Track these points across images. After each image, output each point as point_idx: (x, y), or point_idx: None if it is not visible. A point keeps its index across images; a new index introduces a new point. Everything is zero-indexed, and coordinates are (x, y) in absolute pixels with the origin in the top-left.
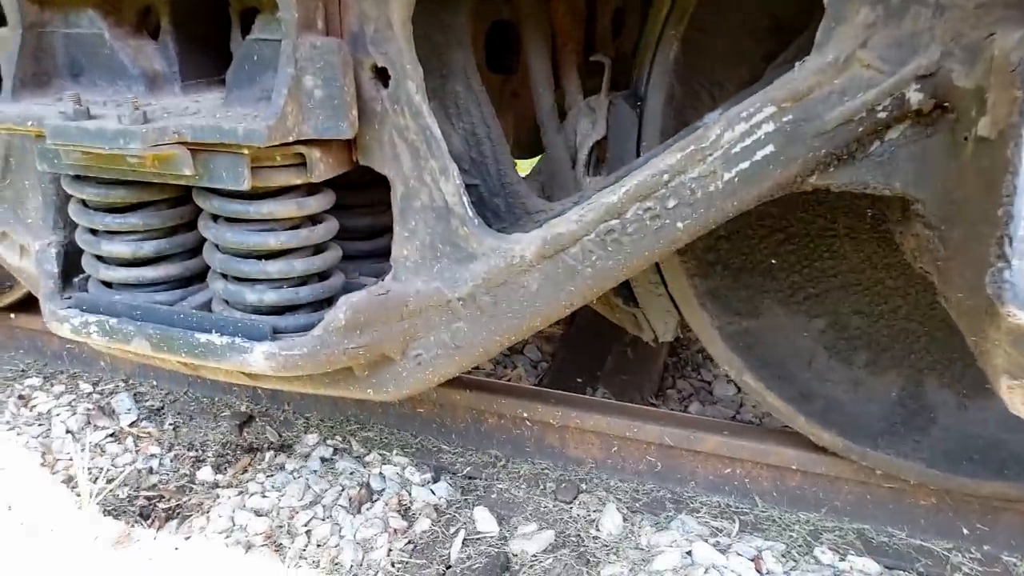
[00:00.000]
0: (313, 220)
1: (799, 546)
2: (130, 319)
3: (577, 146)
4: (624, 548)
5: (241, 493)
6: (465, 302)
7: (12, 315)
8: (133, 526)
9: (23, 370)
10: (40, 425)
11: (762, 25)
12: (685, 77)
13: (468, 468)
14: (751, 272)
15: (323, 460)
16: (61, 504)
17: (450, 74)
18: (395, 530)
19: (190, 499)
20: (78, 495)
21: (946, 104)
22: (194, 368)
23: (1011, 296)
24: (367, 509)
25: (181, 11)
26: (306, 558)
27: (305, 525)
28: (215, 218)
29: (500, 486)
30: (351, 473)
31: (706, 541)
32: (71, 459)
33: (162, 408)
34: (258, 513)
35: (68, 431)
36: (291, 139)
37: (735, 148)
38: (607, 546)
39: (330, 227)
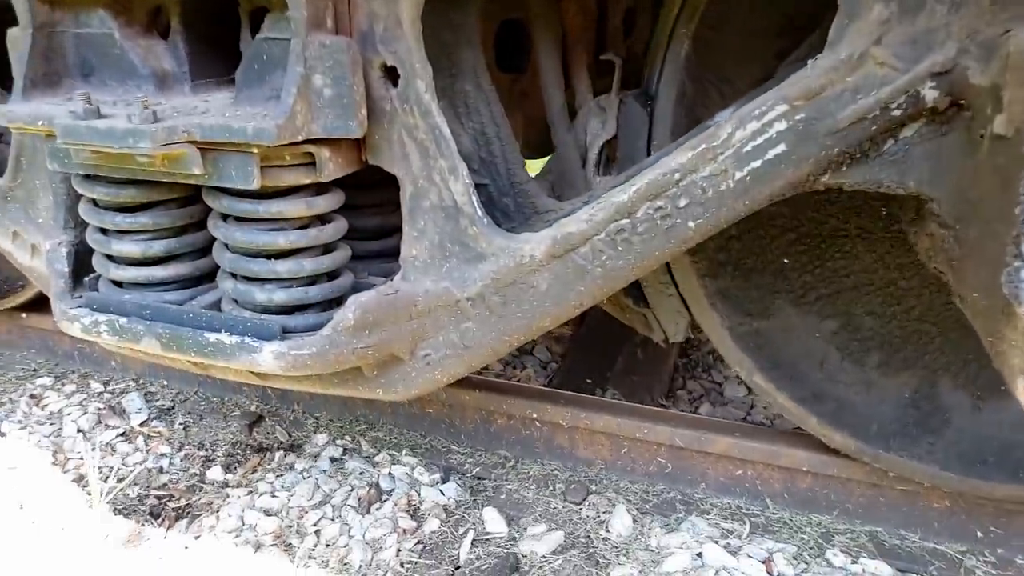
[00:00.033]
0: (322, 219)
1: (810, 548)
2: (140, 318)
3: (587, 145)
4: (634, 549)
5: (251, 493)
6: (474, 302)
7: (24, 315)
8: (143, 525)
9: (35, 370)
10: (51, 424)
11: (774, 23)
12: (696, 75)
13: (477, 469)
14: (762, 272)
15: (333, 460)
16: (72, 503)
17: (459, 73)
18: (404, 530)
19: (200, 498)
20: (89, 494)
21: (961, 102)
22: (204, 368)
23: None
24: (376, 509)
25: (191, 11)
26: (315, 558)
27: (314, 525)
28: (224, 217)
29: (509, 487)
30: (360, 473)
31: (716, 543)
32: (82, 458)
33: (172, 408)
34: (268, 513)
35: (79, 430)
36: (300, 138)
37: (747, 147)
38: (617, 547)
39: (339, 227)
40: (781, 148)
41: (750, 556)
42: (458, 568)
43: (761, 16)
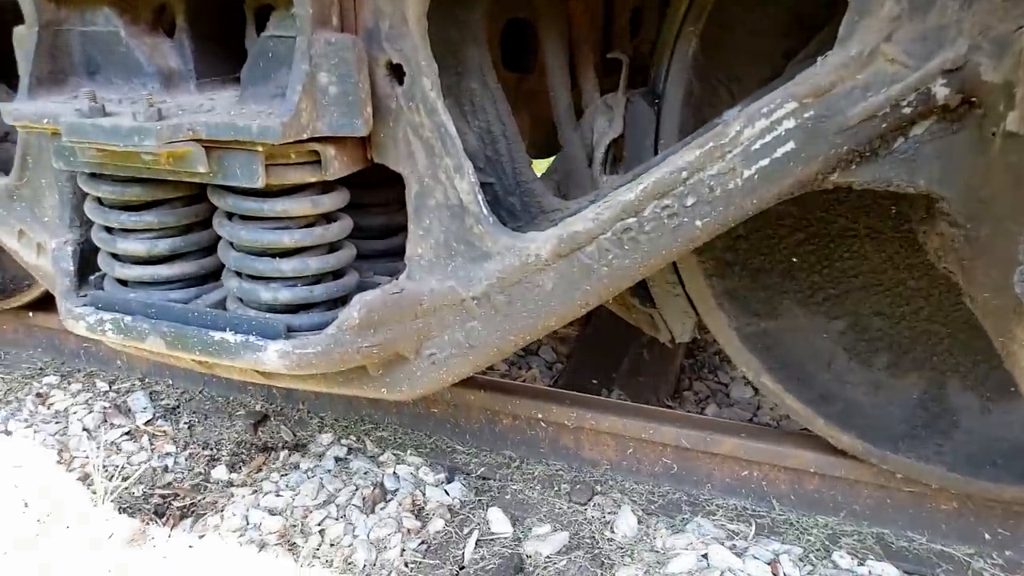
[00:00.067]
0: (327, 218)
1: (817, 550)
2: (145, 317)
3: (594, 144)
4: (639, 550)
5: (255, 492)
6: (479, 301)
7: (30, 313)
8: (148, 524)
9: (41, 368)
10: (57, 423)
11: (782, 21)
12: (704, 74)
13: (482, 469)
14: (770, 272)
15: (337, 460)
16: (77, 501)
17: (465, 71)
18: (408, 530)
19: (204, 498)
20: (94, 493)
21: (973, 99)
22: (208, 367)
23: None
24: (381, 509)
25: (196, 9)
26: (319, 557)
27: (319, 524)
28: (229, 216)
29: (514, 487)
30: (365, 473)
31: (722, 544)
32: (87, 457)
33: (177, 407)
34: (272, 512)
35: (84, 429)
36: (305, 136)
37: (755, 145)
38: (622, 548)
39: (344, 225)
40: (790, 146)
41: (756, 558)
42: (462, 568)
43: (769, 15)
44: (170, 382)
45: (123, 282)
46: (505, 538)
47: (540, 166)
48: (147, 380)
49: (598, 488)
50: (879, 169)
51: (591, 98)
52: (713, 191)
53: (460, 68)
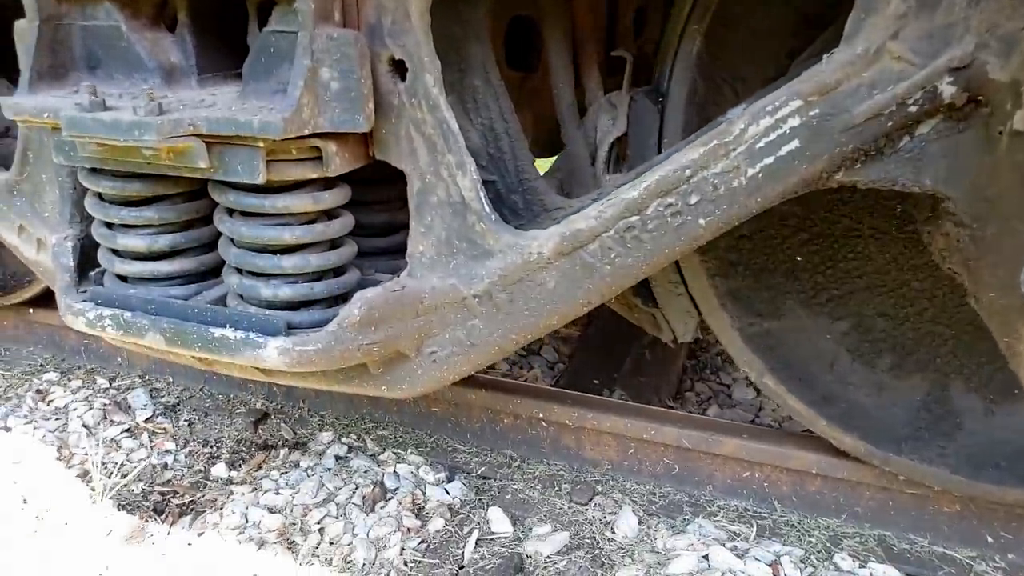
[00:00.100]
0: (329, 215)
1: (818, 552)
2: (145, 313)
3: (597, 143)
4: (640, 551)
5: (255, 490)
6: (481, 299)
7: (31, 310)
8: (147, 521)
9: (41, 365)
10: (57, 419)
11: (787, 20)
12: (708, 72)
13: (483, 468)
14: (773, 272)
15: (337, 458)
16: (76, 498)
17: (468, 68)
18: (408, 529)
19: (204, 495)
20: (93, 489)
21: (980, 98)
22: (209, 364)
23: None
24: (381, 508)
25: (198, 4)
26: (319, 556)
27: (318, 523)
28: (230, 212)
29: (515, 487)
30: (365, 471)
31: (723, 545)
32: (86, 453)
33: (178, 404)
34: (271, 510)
35: (84, 426)
36: (307, 132)
37: (759, 143)
38: (622, 549)
39: (346, 222)
40: (794, 144)
41: (757, 559)
42: (462, 568)
43: (774, 14)
44: (170, 379)
45: (123, 278)
46: (505, 538)
47: (543, 165)
48: (147, 377)
49: (599, 488)
50: (884, 168)
51: (595, 96)
52: (717, 189)
53: (463, 65)
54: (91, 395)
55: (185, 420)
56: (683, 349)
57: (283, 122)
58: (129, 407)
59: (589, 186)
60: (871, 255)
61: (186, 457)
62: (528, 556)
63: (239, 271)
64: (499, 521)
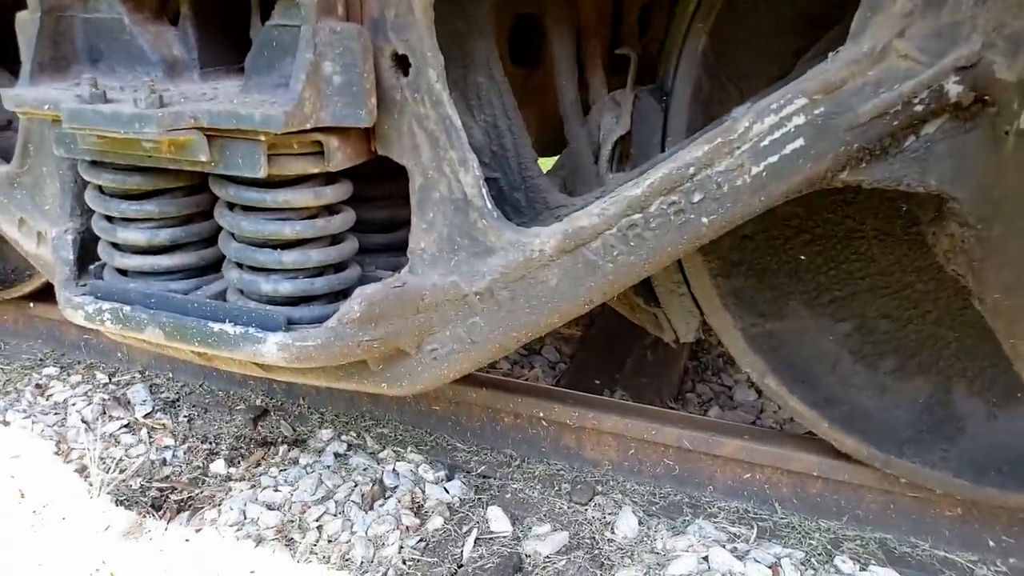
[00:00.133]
0: (330, 210)
1: (819, 554)
2: (144, 307)
3: (600, 141)
4: (639, 552)
5: (254, 487)
6: (482, 296)
7: (31, 304)
8: (144, 517)
9: (41, 359)
10: (56, 414)
11: (793, 19)
12: (713, 71)
13: (483, 467)
14: (776, 273)
15: (337, 456)
16: (74, 493)
17: (472, 65)
18: (407, 527)
19: (202, 491)
20: (91, 484)
21: (986, 97)
22: (208, 359)
23: None
24: (380, 506)
25: None
26: (317, 553)
27: (317, 520)
28: (231, 206)
29: (515, 486)
30: (364, 469)
31: (723, 547)
32: (85, 448)
33: (177, 400)
34: (270, 507)
35: (83, 421)
36: (308, 126)
37: (764, 141)
38: (622, 549)
39: (347, 218)
40: (799, 143)
41: (757, 561)
42: (461, 567)
43: (779, 13)
44: (170, 375)
45: (123, 272)
46: (504, 537)
47: (546, 164)
48: (147, 373)
49: (599, 488)
50: (889, 168)
51: (598, 94)
52: (720, 188)
53: (467, 61)
54: (90, 390)
55: (184, 416)
56: (685, 350)
57: (285, 116)
58: (128, 402)
59: (592, 184)
60: (874, 256)
61: (185, 453)
62: (527, 556)
63: (239, 266)
64: (498, 520)
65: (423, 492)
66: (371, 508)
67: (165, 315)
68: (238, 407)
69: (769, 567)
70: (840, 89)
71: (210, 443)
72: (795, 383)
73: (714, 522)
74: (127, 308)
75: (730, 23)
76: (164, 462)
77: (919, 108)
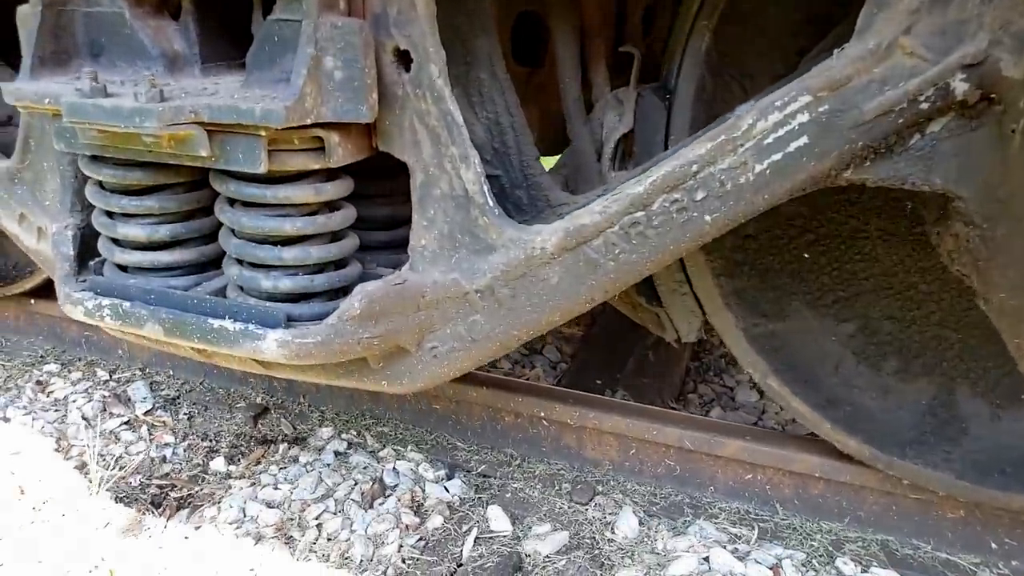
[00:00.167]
0: (330, 207)
1: (820, 556)
2: (144, 303)
3: (603, 139)
4: (640, 552)
5: (253, 485)
6: (483, 294)
7: (32, 301)
8: (144, 514)
9: (41, 356)
10: (56, 411)
11: (797, 18)
12: (716, 69)
13: (483, 466)
14: (779, 273)
15: (337, 454)
16: (73, 489)
17: (474, 61)
18: (407, 526)
19: (202, 489)
20: (90, 481)
21: (993, 95)
22: (208, 356)
23: None
24: (379, 504)
25: None
26: (316, 551)
27: (316, 518)
28: (231, 202)
29: (515, 485)
30: (364, 468)
31: (724, 547)
32: (85, 445)
33: (177, 398)
34: (270, 505)
35: (83, 418)
36: (309, 121)
37: (768, 139)
38: (622, 549)
39: (347, 214)
40: (803, 140)
41: (758, 562)
42: (460, 566)
43: (783, 11)
44: (171, 373)
45: (123, 268)
46: (504, 536)
47: (547, 164)
48: (148, 370)
49: (599, 488)
50: (894, 166)
51: (601, 92)
52: (724, 185)
53: (469, 58)
54: (91, 387)
55: (185, 414)
56: (687, 350)
57: (285, 111)
58: (129, 400)
59: (595, 183)
60: (878, 257)
61: (185, 451)
62: (527, 555)
63: (239, 262)
64: (498, 520)
65: (423, 491)
66: (371, 507)
67: (165, 311)
68: (238, 405)
69: (770, 568)
70: (845, 86)
71: (210, 441)
72: (797, 384)
73: (715, 523)
74: (127, 304)
75: (734, 21)
76: (164, 459)
77: (925, 106)
